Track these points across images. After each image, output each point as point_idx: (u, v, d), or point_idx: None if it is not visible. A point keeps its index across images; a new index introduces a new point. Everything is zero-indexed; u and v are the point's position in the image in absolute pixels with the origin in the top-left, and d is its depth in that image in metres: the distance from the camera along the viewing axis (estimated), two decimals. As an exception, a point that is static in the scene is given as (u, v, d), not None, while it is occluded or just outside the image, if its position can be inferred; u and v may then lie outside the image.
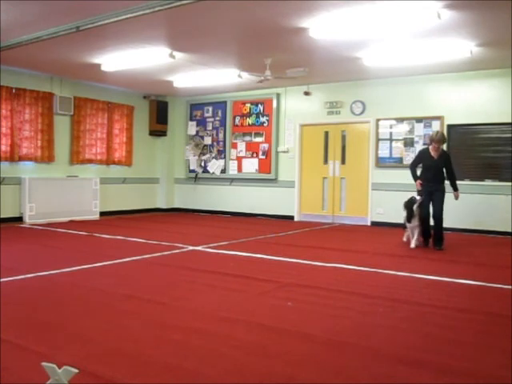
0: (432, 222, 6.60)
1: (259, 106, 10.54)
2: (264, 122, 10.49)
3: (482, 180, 8.31)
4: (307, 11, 5.49)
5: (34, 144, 9.22)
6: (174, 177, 11.86)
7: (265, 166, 10.49)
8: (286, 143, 10.28)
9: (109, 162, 10.50)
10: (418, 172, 6.81)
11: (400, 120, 8.95)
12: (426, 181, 6.65)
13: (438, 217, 6.52)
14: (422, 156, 6.79)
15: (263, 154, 10.50)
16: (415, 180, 6.74)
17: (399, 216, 7.21)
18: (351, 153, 9.58)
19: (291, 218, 10.15)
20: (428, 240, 6.70)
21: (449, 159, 6.69)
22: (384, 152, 9.14)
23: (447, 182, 6.67)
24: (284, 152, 10.29)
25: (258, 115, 10.57)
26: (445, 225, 6.60)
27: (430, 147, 6.66)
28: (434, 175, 6.59)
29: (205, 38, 6.68)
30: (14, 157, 8.90)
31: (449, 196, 6.68)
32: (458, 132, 8.52)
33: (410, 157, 8.81)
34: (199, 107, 11.40)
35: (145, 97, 11.26)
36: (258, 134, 10.58)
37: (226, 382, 2.36)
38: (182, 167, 11.73)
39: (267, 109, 10.44)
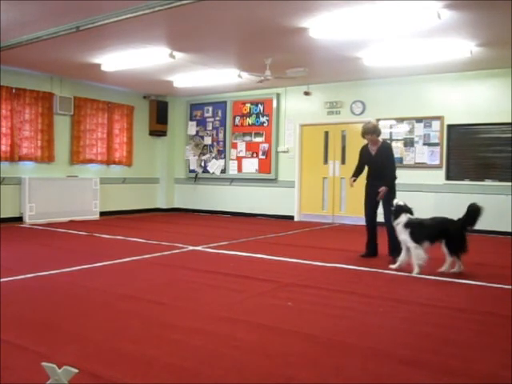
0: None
1: (259, 105, 10.54)
2: (264, 122, 10.49)
3: (482, 180, 8.30)
4: (307, 11, 5.49)
5: (34, 144, 9.22)
6: (174, 177, 11.86)
7: (265, 166, 10.49)
8: (286, 143, 10.28)
9: (109, 162, 10.49)
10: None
11: (400, 120, 8.95)
12: (369, 181, 5.82)
13: (388, 222, 5.45)
14: (362, 153, 5.92)
15: (263, 154, 10.50)
16: (350, 178, 5.94)
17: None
18: (351, 153, 9.55)
19: (291, 218, 10.15)
20: (373, 250, 5.80)
21: (388, 151, 5.74)
22: (384, 152, 9.12)
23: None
24: (284, 152, 10.29)
25: (257, 115, 10.57)
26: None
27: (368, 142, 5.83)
28: (375, 173, 5.72)
29: (205, 38, 6.68)
30: (14, 157, 8.90)
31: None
32: (458, 132, 8.52)
33: (410, 157, 8.83)
34: (199, 107, 11.40)
35: (145, 97, 11.25)
36: (257, 134, 10.57)
37: (226, 382, 2.36)
38: (182, 167, 11.73)
39: (267, 109, 10.44)
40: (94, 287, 4.17)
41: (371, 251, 5.82)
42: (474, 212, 4.88)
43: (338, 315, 3.50)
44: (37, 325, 3.16)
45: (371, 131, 5.71)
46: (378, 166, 5.70)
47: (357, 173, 5.96)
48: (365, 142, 5.95)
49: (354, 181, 5.92)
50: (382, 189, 5.53)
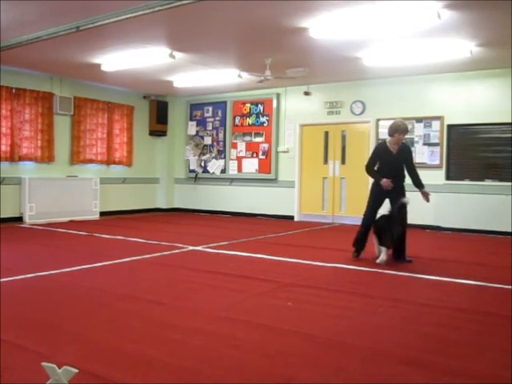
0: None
1: (259, 105, 10.54)
2: (264, 122, 10.49)
3: (482, 180, 8.30)
4: (307, 11, 5.49)
5: (34, 144, 9.22)
6: (174, 177, 11.86)
7: (265, 166, 10.49)
8: (286, 143, 10.28)
9: (109, 162, 10.50)
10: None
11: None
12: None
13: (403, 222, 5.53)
14: (380, 151, 5.74)
15: (263, 154, 10.50)
16: (379, 180, 5.58)
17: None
18: (351, 153, 9.57)
19: (291, 218, 10.15)
20: (362, 246, 5.76)
21: (410, 153, 5.84)
22: (384, 152, 9.13)
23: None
24: (284, 152, 10.29)
25: (258, 115, 10.57)
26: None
27: (390, 140, 5.66)
28: (393, 173, 5.61)
29: (205, 38, 6.68)
30: (14, 157, 8.90)
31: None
32: (458, 132, 8.52)
33: (410, 157, 8.82)
34: (199, 107, 11.40)
35: (145, 97, 11.25)
36: (258, 134, 10.57)
37: (226, 382, 2.36)
38: (182, 167, 11.73)
39: (267, 109, 10.44)
40: (93, 287, 4.17)
41: (360, 247, 5.78)
42: (398, 208, 5.33)
43: (337, 315, 3.50)
44: (37, 325, 3.16)
45: (403, 130, 5.59)
46: (398, 166, 5.69)
47: (375, 170, 5.78)
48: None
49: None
50: (428, 193, 5.75)
